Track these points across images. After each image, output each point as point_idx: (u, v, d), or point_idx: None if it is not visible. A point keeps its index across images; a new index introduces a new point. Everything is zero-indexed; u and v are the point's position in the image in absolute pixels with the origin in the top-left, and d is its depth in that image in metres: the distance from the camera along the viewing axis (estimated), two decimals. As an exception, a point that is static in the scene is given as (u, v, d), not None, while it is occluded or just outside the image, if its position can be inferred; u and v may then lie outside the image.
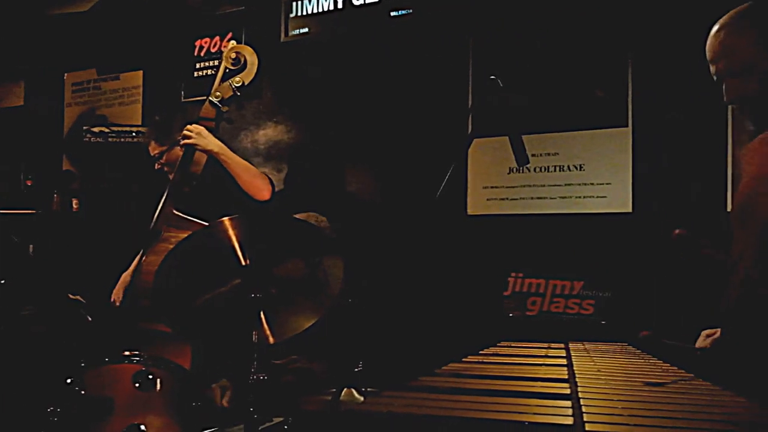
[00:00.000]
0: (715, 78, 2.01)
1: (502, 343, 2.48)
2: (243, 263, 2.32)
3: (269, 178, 3.44)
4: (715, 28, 1.99)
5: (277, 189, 4.80)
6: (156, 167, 3.60)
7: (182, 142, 3.23)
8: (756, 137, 2.09)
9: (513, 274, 4.03)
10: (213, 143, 3.23)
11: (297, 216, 3.19)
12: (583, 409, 1.42)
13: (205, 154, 3.26)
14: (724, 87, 1.98)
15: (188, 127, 3.22)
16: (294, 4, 4.83)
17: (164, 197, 3.14)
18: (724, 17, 1.99)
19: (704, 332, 2.09)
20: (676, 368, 1.92)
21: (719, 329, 2.04)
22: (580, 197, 3.91)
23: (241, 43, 4.68)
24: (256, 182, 3.32)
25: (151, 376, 2.49)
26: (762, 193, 1.97)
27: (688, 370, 1.87)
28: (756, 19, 1.93)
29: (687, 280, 3.46)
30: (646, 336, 2.14)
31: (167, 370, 2.54)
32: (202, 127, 3.22)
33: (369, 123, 4.53)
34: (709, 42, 2.00)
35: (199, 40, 5.30)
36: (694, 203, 3.62)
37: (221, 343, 2.60)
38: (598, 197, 3.86)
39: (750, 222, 1.98)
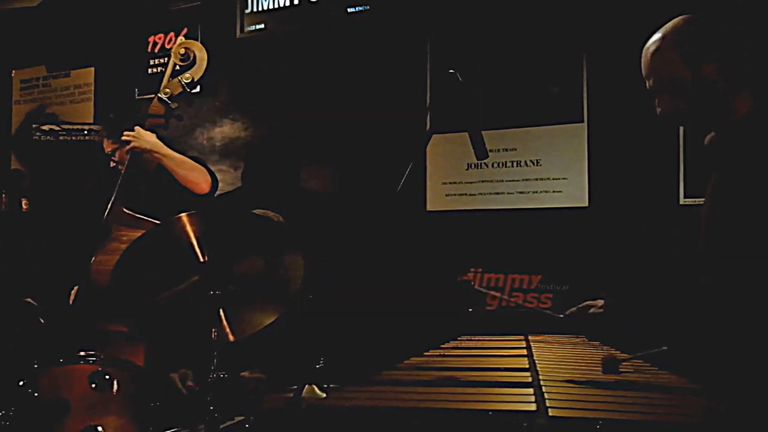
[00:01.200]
0: (649, 90, 2.08)
1: (463, 337, 2.50)
2: (201, 260, 2.29)
3: (210, 172, 3.45)
4: (648, 44, 2.07)
5: (234, 186, 4.80)
6: (111, 165, 3.57)
7: (126, 148, 3.24)
8: None
9: (472, 270, 4.05)
10: (146, 141, 3.22)
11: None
12: (546, 395, 1.44)
13: (141, 153, 3.25)
14: (656, 100, 2.07)
15: (125, 134, 3.25)
16: None
17: (113, 196, 3.12)
18: (655, 35, 2.07)
19: (586, 303, 2.30)
20: (629, 354, 1.96)
21: (601, 300, 2.26)
22: (537, 192, 3.94)
23: (196, 39, 4.64)
24: (192, 176, 3.35)
25: (107, 377, 2.44)
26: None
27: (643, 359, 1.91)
28: (680, 38, 2.00)
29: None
30: (465, 281, 2.27)
31: (124, 370, 2.50)
32: (138, 128, 3.21)
33: (327, 119, 4.51)
34: (642, 57, 2.08)
35: (152, 36, 5.22)
36: (648, 197, 3.67)
37: (180, 341, 2.56)
38: (554, 192, 3.90)
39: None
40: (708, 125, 2.08)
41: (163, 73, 3.31)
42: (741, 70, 1.99)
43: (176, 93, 3.24)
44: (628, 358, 1.84)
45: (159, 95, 3.24)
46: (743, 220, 1.86)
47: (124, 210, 3.08)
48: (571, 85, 3.87)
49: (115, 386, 2.46)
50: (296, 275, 2.35)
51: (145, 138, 3.23)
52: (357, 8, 4.40)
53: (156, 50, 5.21)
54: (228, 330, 2.35)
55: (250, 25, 4.79)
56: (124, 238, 2.91)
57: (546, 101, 3.94)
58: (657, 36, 2.05)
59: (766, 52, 2.08)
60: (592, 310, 2.28)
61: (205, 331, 2.25)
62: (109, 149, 3.57)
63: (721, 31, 2.01)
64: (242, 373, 2.75)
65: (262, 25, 4.74)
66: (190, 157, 3.44)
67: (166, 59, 5.06)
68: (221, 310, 2.32)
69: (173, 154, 3.33)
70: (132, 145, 3.22)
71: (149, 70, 5.21)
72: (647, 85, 2.08)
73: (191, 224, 2.26)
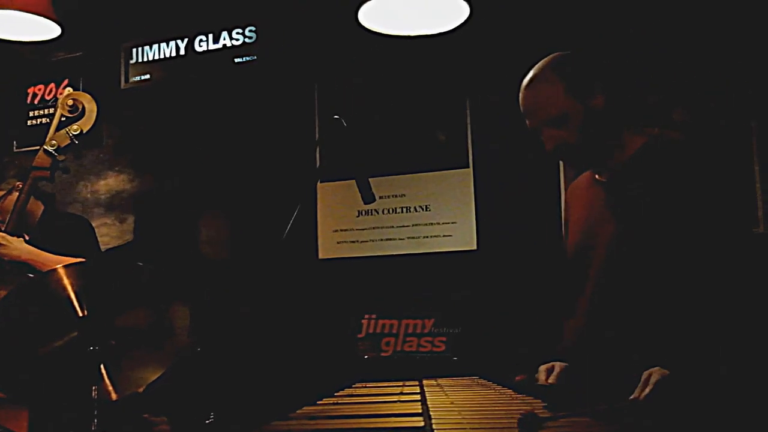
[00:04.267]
0: (530, 128, 2.04)
1: (357, 385, 2.47)
2: (80, 314, 2.19)
3: (94, 248, 3.31)
4: (525, 81, 2.04)
5: (122, 239, 4.65)
6: None
7: None
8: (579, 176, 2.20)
9: (366, 316, 4.04)
10: (20, 250, 2.99)
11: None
12: (437, 439, 1.43)
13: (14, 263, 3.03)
14: (543, 137, 2.02)
15: None
16: (134, 50, 4.72)
17: None
18: (533, 70, 2.04)
19: (541, 368, 2.08)
20: (524, 396, 1.97)
21: (556, 363, 2.05)
22: (427, 237, 4.00)
23: (78, 89, 4.52)
24: None
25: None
26: (594, 235, 2.05)
27: (536, 398, 1.92)
28: (563, 71, 1.99)
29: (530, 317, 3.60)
30: (521, 380, 2.14)
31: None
32: (5, 235, 2.96)
33: (216, 169, 4.45)
34: (521, 95, 2.04)
35: (32, 87, 5.06)
36: (533, 239, 3.77)
37: (59, 402, 2.43)
38: (444, 236, 3.96)
39: (584, 262, 2.07)
40: (598, 160, 2.05)
41: (45, 124, 3.19)
42: (629, 104, 2.02)
43: (63, 145, 3.11)
44: (551, 418, 1.47)
45: (45, 147, 3.10)
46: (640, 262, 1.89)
47: (-1, 266, 2.92)
48: (456, 131, 3.97)
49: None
50: (182, 327, 2.27)
51: (14, 245, 2.96)
52: (244, 58, 4.40)
53: (36, 101, 5.04)
54: (110, 387, 2.24)
55: (135, 76, 4.71)
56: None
57: (433, 147, 4.02)
58: (536, 72, 2.03)
59: (654, 89, 2.12)
60: (550, 380, 2.01)
61: (85, 390, 2.14)
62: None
63: (605, 64, 2.03)
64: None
65: (148, 76, 4.67)
66: (71, 235, 3.24)
67: (47, 111, 4.91)
68: (102, 367, 2.21)
69: (51, 258, 3.06)
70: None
71: (28, 122, 5.03)
72: (528, 123, 2.03)
73: (68, 277, 2.16)
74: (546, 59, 2.05)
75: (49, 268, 3.02)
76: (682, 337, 1.80)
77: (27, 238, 3.08)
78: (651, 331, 1.85)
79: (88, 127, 3.16)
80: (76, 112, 3.15)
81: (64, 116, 3.15)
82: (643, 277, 1.89)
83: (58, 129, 3.14)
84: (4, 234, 3.00)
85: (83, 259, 3.20)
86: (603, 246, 2.00)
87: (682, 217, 1.84)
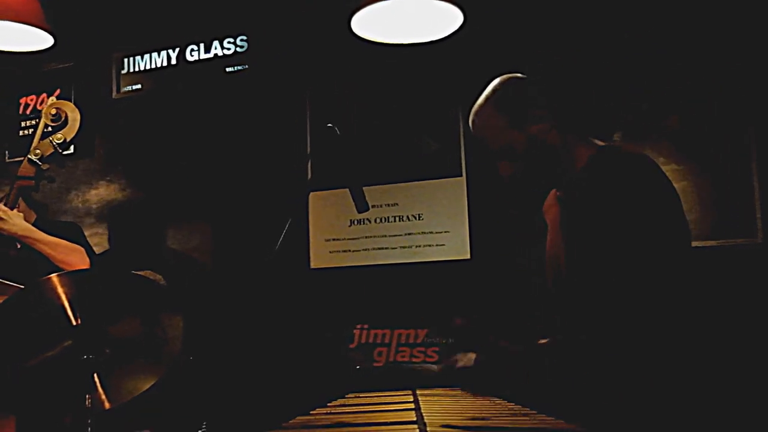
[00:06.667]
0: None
1: (350, 395, 2.46)
2: (74, 323, 2.18)
3: (88, 251, 3.31)
4: (471, 118, 2.11)
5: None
6: None
7: None
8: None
9: (358, 326, 4.04)
10: (17, 226, 3.06)
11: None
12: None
13: (11, 237, 3.08)
14: (498, 167, 2.09)
15: None
16: (126, 60, 4.72)
17: None
18: (475, 106, 2.10)
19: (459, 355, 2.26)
20: (513, 405, 1.98)
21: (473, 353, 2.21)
22: (420, 246, 4.00)
23: (70, 100, 4.51)
24: (70, 259, 3.18)
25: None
26: (558, 249, 2.09)
27: (526, 406, 1.93)
28: (504, 105, 2.04)
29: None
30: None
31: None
32: (5, 209, 3.05)
33: (208, 178, 4.45)
34: (471, 125, 2.12)
35: (24, 98, 5.06)
36: (527, 248, 3.77)
37: (51, 411, 2.41)
38: (437, 245, 3.96)
39: (557, 271, 2.10)
40: (552, 182, 2.10)
41: (34, 134, 3.20)
42: (572, 123, 2.03)
43: (47, 154, 3.13)
44: None
45: (29, 156, 3.12)
46: (596, 270, 1.90)
47: (-9, 276, 2.91)
48: (449, 140, 3.98)
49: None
50: (175, 336, 2.27)
51: (12, 221, 3.05)
52: (235, 68, 4.41)
53: (28, 112, 5.03)
54: (104, 396, 2.23)
55: (126, 86, 4.71)
56: (-10, 306, 2.73)
57: (425, 156, 4.02)
58: (479, 107, 2.08)
59: (597, 97, 2.15)
60: (460, 364, 2.22)
61: (78, 399, 2.13)
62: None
63: (543, 89, 2.05)
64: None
65: (139, 86, 4.67)
66: (65, 238, 3.27)
67: (37, 121, 4.90)
68: (96, 376, 2.20)
69: (47, 238, 3.14)
70: None
71: (20, 132, 5.02)
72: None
73: (62, 285, 2.16)
74: (488, 91, 2.09)
75: (43, 246, 3.08)
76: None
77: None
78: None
79: (72, 136, 3.17)
80: (59, 121, 3.17)
81: (47, 125, 3.16)
82: (588, 291, 1.92)
83: (42, 138, 3.15)
84: (4, 208, 3.03)
85: (78, 247, 3.23)
86: (563, 260, 2.05)
87: (621, 231, 1.85)
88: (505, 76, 2.11)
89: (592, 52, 3.70)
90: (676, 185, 1.95)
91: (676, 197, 1.94)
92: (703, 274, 2.00)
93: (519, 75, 2.11)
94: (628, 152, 2.05)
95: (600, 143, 2.07)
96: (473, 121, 2.10)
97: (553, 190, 2.20)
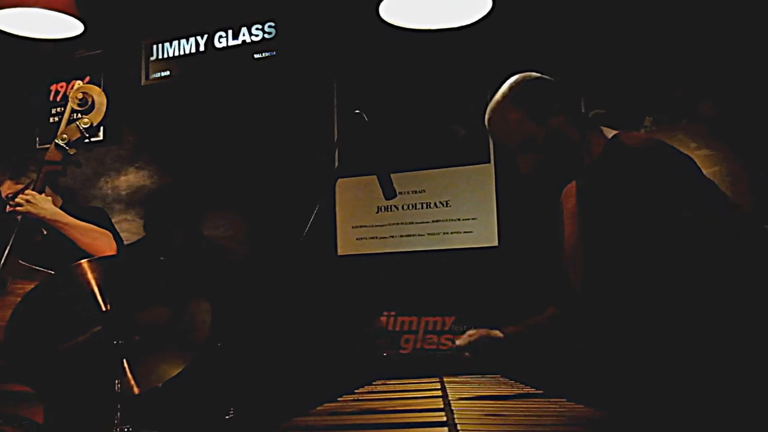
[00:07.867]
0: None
1: (377, 381, 2.46)
2: (103, 309, 2.20)
3: (115, 236, 3.32)
4: (487, 115, 2.12)
5: (140, 235, 4.67)
6: (7, 209, 3.41)
7: (13, 209, 3.07)
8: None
9: (385, 313, 4.03)
10: (46, 210, 3.08)
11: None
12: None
13: (39, 221, 3.10)
14: (518, 162, 2.11)
15: (19, 195, 3.10)
16: (154, 47, 4.73)
17: (9, 247, 2.96)
18: (492, 103, 2.12)
19: (468, 332, 2.40)
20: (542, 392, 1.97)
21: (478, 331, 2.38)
22: (447, 233, 3.98)
23: (99, 86, 4.54)
24: (97, 244, 3.21)
25: (4, 437, 2.31)
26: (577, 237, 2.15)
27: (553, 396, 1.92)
28: (519, 99, 2.06)
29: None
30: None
31: (21, 427, 2.36)
32: (34, 193, 3.07)
33: (236, 165, 4.46)
34: (487, 123, 2.14)
35: (54, 85, 5.10)
36: (555, 235, 3.74)
37: (82, 395, 2.44)
38: (465, 232, 3.94)
39: (576, 263, 2.12)
40: (571, 174, 2.13)
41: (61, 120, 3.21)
42: (587, 115, 2.08)
43: (74, 139, 3.14)
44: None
45: (56, 141, 3.13)
46: (615, 256, 1.91)
47: (20, 261, 2.94)
48: (477, 126, 3.94)
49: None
50: (203, 323, 2.28)
51: (41, 205, 3.08)
52: (263, 54, 4.40)
53: (58, 99, 5.07)
54: (133, 382, 2.25)
55: (155, 72, 4.73)
56: (20, 291, 2.76)
57: (453, 143, 4.00)
58: (496, 103, 2.10)
59: (628, 83, 2.17)
60: (458, 342, 2.41)
61: (108, 384, 2.15)
62: (8, 192, 3.41)
63: (559, 83, 2.08)
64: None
65: (168, 72, 4.69)
66: (92, 222, 3.29)
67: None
68: (125, 361, 2.22)
69: (75, 223, 3.16)
70: (25, 210, 3.05)
71: (50, 119, 5.06)
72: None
73: (92, 271, 2.18)
74: (504, 88, 2.12)
75: (71, 230, 3.11)
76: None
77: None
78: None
79: (98, 120, 3.18)
80: (86, 105, 3.18)
81: (74, 110, 3.18)
82: (605, 279, 1.95)
83: (69, 123, 3.16)
84: (33, 192, 3.05)
85: (106, 231, 3.25)
86: (581, 251, 2.12)
87: (636, 217, 1.86)
88: (519, 75, 2.13)
89: (623, 37, 3.65)
90: (708, 171, 1.93)
91: (691, 168, 1.92)
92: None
93: (533, 74, 2.14)
94: (635, 136, 2.07)
95: (613, 132, 2.07)
96: (490, 118, 2.12)
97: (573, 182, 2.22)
